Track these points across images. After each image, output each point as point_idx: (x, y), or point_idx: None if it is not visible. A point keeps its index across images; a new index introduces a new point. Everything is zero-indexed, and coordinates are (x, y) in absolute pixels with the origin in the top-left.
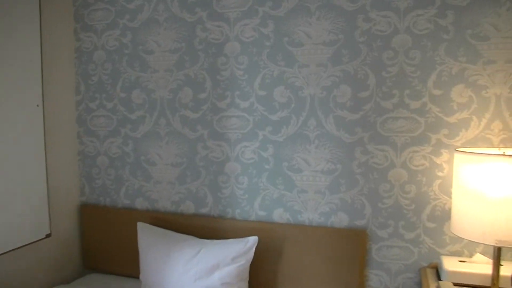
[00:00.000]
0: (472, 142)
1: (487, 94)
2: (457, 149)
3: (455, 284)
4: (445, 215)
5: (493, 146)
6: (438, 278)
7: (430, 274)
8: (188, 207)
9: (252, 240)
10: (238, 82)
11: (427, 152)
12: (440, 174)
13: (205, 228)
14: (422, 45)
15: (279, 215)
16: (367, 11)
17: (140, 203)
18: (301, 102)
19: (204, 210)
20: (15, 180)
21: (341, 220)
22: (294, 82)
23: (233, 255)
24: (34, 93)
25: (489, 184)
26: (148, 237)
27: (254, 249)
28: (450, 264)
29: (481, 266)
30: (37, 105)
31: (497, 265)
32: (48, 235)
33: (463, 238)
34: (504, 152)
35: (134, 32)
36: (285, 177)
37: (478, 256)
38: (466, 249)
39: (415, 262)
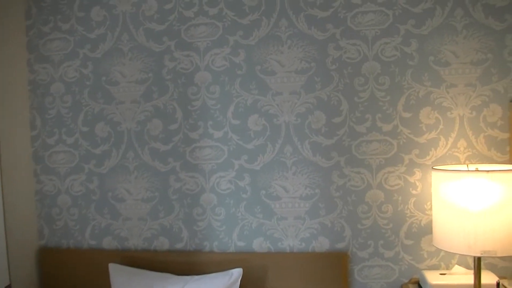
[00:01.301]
0: (442, 160)
1: (452, 115)
2: (433, 167)
3: None
4: (421, 231)
5: (460, 163)
6: None
7: None
8: (162, 243)
9: (237, 272)
10: (210, 111)
11: (401, 172)
12: (414, 192)
13: (182, 263)
14: (390, 71)
15: (259, 244)
16: (337, 39)
17: (108, 243)
18: (276, 129)
19: (179, 245)
20: None
21: (322, 244)
22: (268, 110)
23: None
24: None
25: (468, 199)
26: (122, 279)
27: (239, 281)
28: (433, 278)
29: (460, 277)
30: None
31: (478, 275)
32: (8, 287)
33: (443, 252)
34: (476, 168)
35: (96, 62)
36: (264, 205)
37: (457, 268)
38: (443, 262)
39: (396, 279)
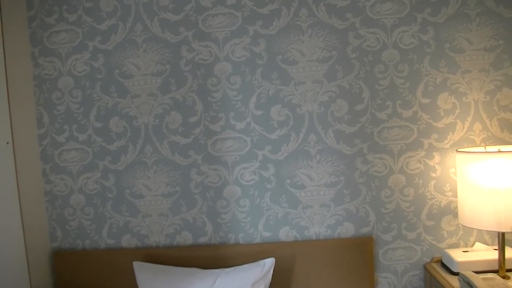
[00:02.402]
0: (459, 144)
1: (467, 100)
2: (458, 150)
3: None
4: (441, 212)
5: (476, 145)
6: (446, 269)
7: (437, 268)
8: (185, 238)
9: (269, 262)
10: (231, 103)
11: (421, 156)
12: (433, 175)
13: (207, 258)
14: (409, 58)
15: (285, 234)
16: (356, 28)
17: (127, 241)
18: (299, 119)
19: (203, 239)
20: None
21: (347, 230)
22: (291, 99)
23: (252, 280)
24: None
25: (496, 178)
26: (149, 277)
27: (271, 271)
28: (458, 255)
29: (482, 253)
30: (7, 143)
31: (502, 250)
32: None
33: (461, 230)
34: (499, 149)
35: (108, 54)
36: (289, 194)
37: (478, 245)
38: (461, 240)
39: (418, 259)
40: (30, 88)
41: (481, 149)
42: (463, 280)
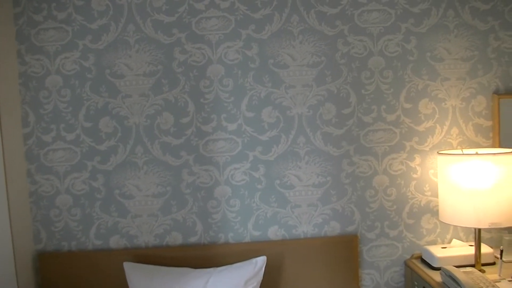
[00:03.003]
0: (438, 146)
1: (446, 106)
2: (439, 152)
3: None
4: (421, 211)
5: (453, 148)
6: (426, 265)
7: (418, 264)
8: (175, 238)
9: (261, 260)
10: (224, 104)
11: (403, 158)
12: (414, 176)
13: (197, 257)
14: (393, 65)
15: (274, 233)
16: (345, 35)
17: (115, 242)
18: (289, 121)
19: (193, 239)
20: None
21: (333, 228)
22: (281, 102)
23: (245, 278)
24: None
25: (475, 179)
26: (141, 278)
27: (263, 269)
28: (437, 251)
29: (459, 248)
30: None
31: (478, 245)
32: None
33: (439, 228)
34: (476, 152)
35: (98, 54)
36: (278, 194)
37: (454, 241)
38: (439, 237)
39: (399, 256)
40: (15, 86)
41: (459, 151)
42: (445, 274)
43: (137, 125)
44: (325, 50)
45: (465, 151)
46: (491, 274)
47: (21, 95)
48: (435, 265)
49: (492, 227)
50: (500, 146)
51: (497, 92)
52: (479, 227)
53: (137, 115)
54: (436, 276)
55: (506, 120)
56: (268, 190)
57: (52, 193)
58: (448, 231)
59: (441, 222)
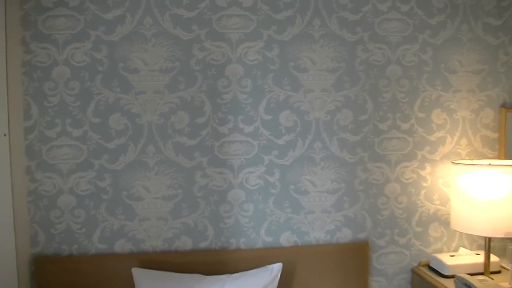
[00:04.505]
0: (447, 156)
1: (457, 117)
2: (453, 162)
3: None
4: (429, 219)
5: (462, 158)
6: (435, 273)
7: (426, 271)
8: (185, 243)
9: (277, 267)
10: (241, 106)
11: (414, 166)
12: (424, 184)
13: (207, 263)
14: (409, 75)
15: (286, 239)
16: (365, 42)
17: (120, 246)
18: (307, 125)
19: (204, 244)
20: None
21: (345, 235)
22: (300, 106)
23: (262, 285)
24: None
25: (490, 189)
26: (151, 285)
27: (279, 276)
28: (446, 259)
29: (467, 257)
30: (4, 135)
31: (488, 254)
32: None
33: (445, 237)
34: (490, 163)
35: (112, 46)
36: (292, 200)
37: (462, 250)
38: (445, 245)
39: (407, 264)
40: (18, 75)
41: (469, 161)
42: (460, 282)
43: (149, 123)
44: (345, 56)
45: (476, 162)
46: (502, 282)
47: (24, 86)
48: (445, 273)
49: (507, 236)
50: (506, 157)
51: (504, 106)
52: (495, 236)
53: (150, 113)
54: (447, 283)
55: (510, 133)
56: (282, 195)
57: (53, 192)
58: (454, 240)
59: (447, 230)
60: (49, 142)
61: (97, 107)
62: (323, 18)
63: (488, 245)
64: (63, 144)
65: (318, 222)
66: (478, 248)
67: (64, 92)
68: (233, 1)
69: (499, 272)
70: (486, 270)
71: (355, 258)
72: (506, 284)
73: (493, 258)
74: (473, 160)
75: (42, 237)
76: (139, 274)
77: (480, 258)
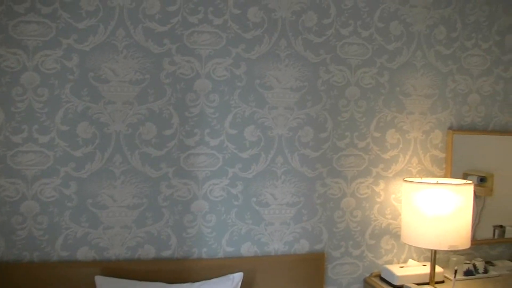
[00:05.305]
0: (400, 174)
1: (409, 137)
2: (405, 179)
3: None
4: (382, 232)
5: (413, 176)
6: (386, 283)
7: (378, 282)
8: (148, 252)
9: (238, 276)
10: (208, 120)
11: (369, 182)
12: (378, 199)
13: (169, 272)
14: (367, 96)
15: (246, 249)
16: (327, 64)
17: (83, 254)
18: (270, 141)
19: (166, 253)
20: None
21: (303, 246)
22: (264, 122)
23: None
24: None
25: (437, 205)
26: None
27: (240, 285)
28: (396, 270)
29: (415, 268)
30: None
31: (433, 265)
32: None
33: (395, 249)
34: (437, 181)
35: (83, 55)
36: (254, 211)
37: (410, 261)
38: (395, 257)
39: (360, 274)
40: None
41: (419, 179)
42: None
43: (117, 133)
44: (308, 76)
45: (425, 179)
46: None
47: None
48: (395, 283)
49: (451, 249)
50: (451, 176)
51: (451, 128)
52: (440, 248)
53: (118, 123)
54: None
55: (457, 153)
56: (245, 207)
57: (16, 198)
58: (403, 252)
59: (398, 243)
60: (15, 147)
61: (65, 115)
62: (289, 39)
63: (433, 257)
64: (29, 150)
65: (278, 233)
66: (425, 259)
67: (32, 98)
68: (205, 18)
69: (442, 282)
70: (431, 280)
71: (311, 268)
72: None
73: (438, 269)
74: (423, 178)
75: (2, 244)
76: (101, 282)
77: (426, 269)
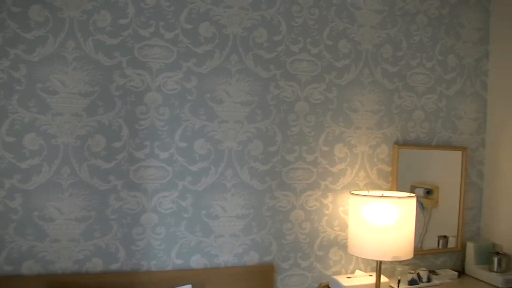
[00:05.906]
0: (348, 187)
1: (356, 151)
2: (352, 192)
3: None
4: (330, 244)
5: (360, 189)
6: None
7: None
8: (95, 265)
9: None
10: (158, 132)
11: (318, 195)
12: (326, 212)
13: (118, 285)
14: (316, 111)
15: (196, 261)
16: (277, 79)
17: (28, 268)
18: (220, 154)
19: (114, 266)
20: None
21: (252, 258)
22: (214, 135)
23: None
24: None
25: (381, 217)
26: None
27: None
28: (343, 281)
29: (362, 278)
30: None
31: (379, 275)
32: None
33: (343, 260)
34: (382, 194)
35: (31, 66)
36: (203, 224)
37: (358, 272)
38: (343, 268)
39: (309, 285)
40: None
41: (366, 192)
42: None
43: (65, 145)
44: (258, 91)
45: (372, 192)
46: None
47: None
48: None
49: (394, 259)
50: (397, 189)
51: (397, 143)
52: (384, 259)
53: (66, 135)
54: None
55: (402, 167)
56: (194, 219)
57: None
58: (351, 263)
59: (345, 254)
60: None
61: (11, 126)
62: (240, 55)
63: (379, 267)
64: None
65: (227, 245)
66: (372, 270)
67: None
68: (156, 32)
69: None
70: None
71: (261, 280)
72: None
73: (383, 279)
74: (369, 191)
75: None
76: None
77: (372, 279)
